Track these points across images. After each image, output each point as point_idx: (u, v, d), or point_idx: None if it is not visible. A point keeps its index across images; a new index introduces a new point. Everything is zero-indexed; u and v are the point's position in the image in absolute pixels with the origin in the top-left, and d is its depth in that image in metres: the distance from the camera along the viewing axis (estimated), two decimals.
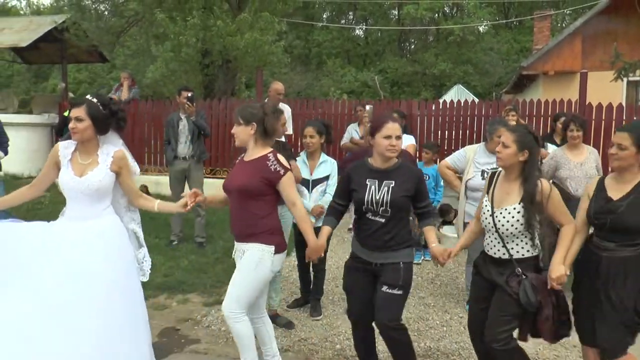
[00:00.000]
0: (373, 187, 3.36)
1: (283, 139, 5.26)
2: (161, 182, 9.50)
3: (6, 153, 7.28)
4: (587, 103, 8.76)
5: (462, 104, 9.71)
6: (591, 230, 3.27)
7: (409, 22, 32.01)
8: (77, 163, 3.23)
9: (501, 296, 3.17)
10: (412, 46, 37.41)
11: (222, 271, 5.94)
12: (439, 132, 9.63)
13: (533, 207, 3.07)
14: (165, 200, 3.66)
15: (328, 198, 4.48)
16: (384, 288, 3.34)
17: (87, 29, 11.57)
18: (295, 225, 4.44)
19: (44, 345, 2.79)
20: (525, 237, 3.14)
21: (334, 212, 3.61)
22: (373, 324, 3.51)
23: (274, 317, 4.62)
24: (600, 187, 3.17)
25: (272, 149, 3.49)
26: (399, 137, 3.34)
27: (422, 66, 31.06)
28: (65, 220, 3.25)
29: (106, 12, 12.74)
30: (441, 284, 5.80)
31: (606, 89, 9.92)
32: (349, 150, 7.24)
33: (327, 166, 4.73)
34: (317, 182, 4.70)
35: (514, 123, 6.52)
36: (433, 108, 9.80)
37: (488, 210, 3.24)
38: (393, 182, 3.34)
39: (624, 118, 8.68)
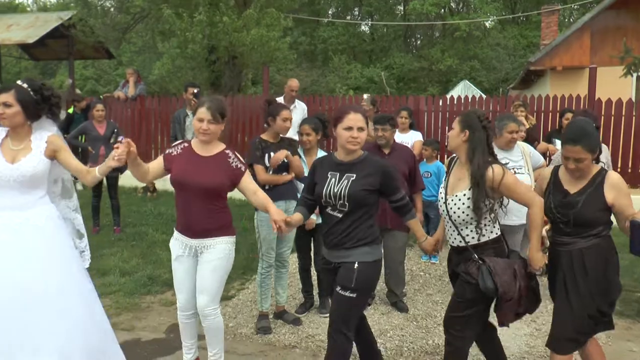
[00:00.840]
0: (333, 179, 3.19)
1: (297, 137, 5.21)
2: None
3: None
4: (596, 98, 8.70)
5: (469, 100, 9.67)
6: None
7: (414, 18, 31.90)
8: (8, 149, 3.11)
9: (460, 283, 3.15)
10: (418, 42, 37.31)
11: None
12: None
13: (479, 191, 3.00)
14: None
15: None
16: (337, 288, 3.16)
17: (93, 25, 11.60)
18: (298, 228, 4.40)
19: None
20: (481, 222, 3.06)
21: (304, 203, 3.44)
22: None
23: (282, 314, 4.62)
24: (555, 180, 3.15)
25: (224, 144, 3.50)
26: (361, 129, 3.11)
27: (428, 62, 30.97)
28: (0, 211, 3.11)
29: (112, 9, 12.75)
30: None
31: (615, 84, 9.86)
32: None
33: None
34: None
35: (523, 119, 6.49)
36: (440, 104, 9.77)
37: (442, 198, 3.21)
38: (354, 175, 3.14)
39: (634, 113, 8.62)
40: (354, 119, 3.10)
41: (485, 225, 3.08)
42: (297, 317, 4.62)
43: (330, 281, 3.31)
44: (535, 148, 5.64)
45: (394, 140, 5.01)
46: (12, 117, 3.06)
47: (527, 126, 6.53)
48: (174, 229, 3.53)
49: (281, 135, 4.47)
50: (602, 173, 3.04)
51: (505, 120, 4.64)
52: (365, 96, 6.94)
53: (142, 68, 21.72)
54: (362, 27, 36.06)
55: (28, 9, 20.74)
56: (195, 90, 6.74)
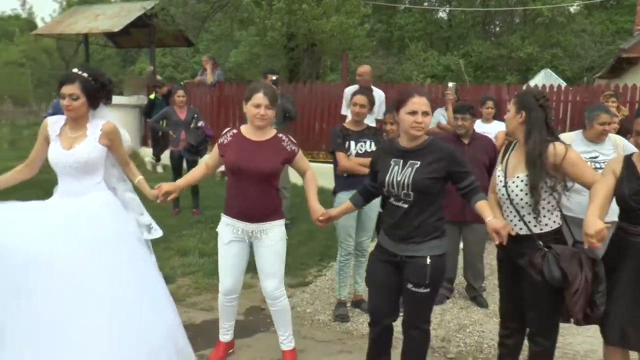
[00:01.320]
0: (396, 167, 3.00)
1: (374, 124, 5.14)
2: None
3: None
4: None
5: (554, 89, 9.24)
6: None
7: (494, 4, 30.83)
8: (66, 136, 3.15)
9: (529, 288, 2.93)
10: (497, 29, 36.08)
11: (306, 253, 5.97)
12: None
13: (535, 170, 2.84)
14: None
15: None
16: (409, 286, 3.00)
17: (174, 14, 11.90)
18: (380, 214, 4.34)
19: (66, 321, 2.74)
20: (544, 207, 2.89)
21: (365, 190, 3.34)
22: (392, 324, 3.26)
23: (359, 303, 4.58)
24: (628, 166, 2.92)
25: (274, 130, 3.52)
26: (425, 114, 2.92)
27: (508, 49, 29.87)
28: (58, 197, 3.16)
29: None
30: None
31: None
32: (436, 135, 7.05)
33: None
34: None
35: (614, 110, 6.12)
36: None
37: (501, 182, 3.04)
38: (419, 162, 2.95)
39: None
40: (418, 102, 2.92)
41: (546, 211, 2.91)
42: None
43: (387, 274, 3.12)
44: (628, 140, 5.31)
45: (474, 130, 4.85)
46: (79, 108, 3.10)
47: (620, 117, 6.15)
48: (223, 214, 3.53)
49: (355, 120, 4.39)
50: None
51: (596, 111, 4.36)
52: (450, 84, 6.75)
53: (219, 56, 22.17)
54: (440, 14, 35.24)
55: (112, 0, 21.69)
56: (274, 77, 6.77)
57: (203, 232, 6.71)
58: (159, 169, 10.51)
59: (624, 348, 2.93)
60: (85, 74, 3.10)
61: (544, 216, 2.92)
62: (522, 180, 2.92)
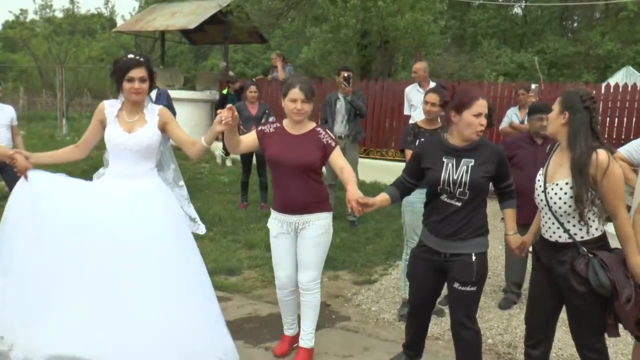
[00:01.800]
0: (450, 165, 3.02)
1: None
2: None
3: None
4: None
5: (637, 88, 8.80)
6: None
7: None
8: (124, 121, 3.18)
9: (570, 298, 2.78)
10: (575, 24, 34.62)
11: (372, 251, 5.98)
12: (607, 118, 8.83)
13: (581, 180, 2.65)
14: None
15: None
16: (456, 285, 3.04)
17: (249, 11, 12.13)
18: None
19: (120, 300, 2.83)
20: (583, 214, 2.69)
21: (400, 185, 3.28)
22: (431, 316, 3.49)
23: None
24: None
25: (314, 123, 3.56)
26: (485, 116, 2.99)
27: (586, 46, 28.58)
28: (111, 178, 3.18)
29: None
30: None
31: None
32: (509, 135, 6.88)
33: None
34: None
35: None
36: (602, 91, 8.99)
37: (540, 187, 2.89)
38: (473, 160, 3.00)
39: None
40: (482, 105, 2.97)
41: (589, 219, 2.73)
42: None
43: (426, 271, 3.18)
44: None
45: None
46: (145, 91, 3.14)
47: None
48: (271, 209, 3.63)
49: (428, 119, 4.35)
50: None
51: None
52: (533, 86, 6.53)
53: (290, 52, 22.47)
54: (515, 10, 34.19)
55: None
56: (346, 74, 6.80)
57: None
58: (228, 163, 10.78)
59: None
60: (142, 58, 3.14)
61: (581, 229, 2.77)
62: (561, 188, 2.77)
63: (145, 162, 3.21)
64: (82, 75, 20.48)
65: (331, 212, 3.59)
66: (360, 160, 7.28)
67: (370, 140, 10.15)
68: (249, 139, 3.55)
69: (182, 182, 3.50)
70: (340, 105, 6.86)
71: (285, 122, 3.56)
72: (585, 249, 2.73)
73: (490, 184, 3.15)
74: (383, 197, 3.22)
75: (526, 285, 4.96)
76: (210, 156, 10.70)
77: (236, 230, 6.76)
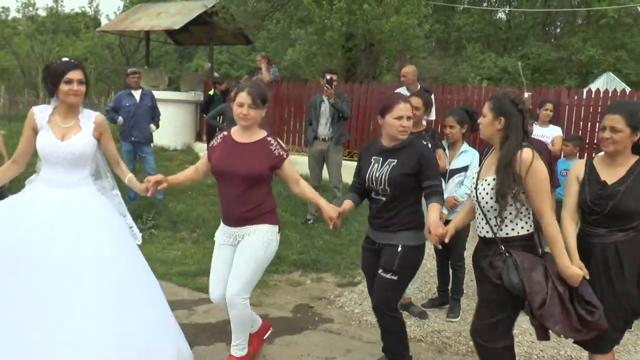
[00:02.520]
0: (376, 164, 3.30)
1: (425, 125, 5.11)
2: (299, 161, 9.73)
3: (157, 126, 7.87)
4: None
5: (617, 93, 8.93)
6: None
7: (556, 4, 29.97)
8: (58, 126, 3.06)
9: (484, 284, 2.93)
10: (558, 30, 35.06)
11: (355, 254, 5.98)
12: (589, 123, 8.94)
13: (504, 174, 2.75)
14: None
15: (464, 190, 4.31)
16: (380, 271, 3.28)
17: (234, 12, 12.10)
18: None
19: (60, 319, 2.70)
20: (510, 213, 2.81)
21: (354, 188, 3.50)
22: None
23: (407, 306, 4.57)
24: (591, 170, 2.97)
25: (265, 132, 3.42)
26: (409, 118, 3.23)
27: (568, 52, 28.99)
28: (43, 187, 3.05)
29: None
30: None
31: None
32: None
33: (467, 156, 4.48)
34: (454, 172, 4.46)
35: None
36: (584, 97, 9.10)
37: (473, 184, 3.03)
38: (395, 160, 3.24)
39: None
40: (404, 108, 3.22)
41: (514, 216, 2.82)
42: (424, 310, 4.56)
43: (371, 260, 3.42)
44: None
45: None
46: (83, 94, 3.06)
47: None
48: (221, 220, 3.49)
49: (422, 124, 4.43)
50: None
51: None
52: (526, 95, 6.48)
53: (275, 54, 22.47)
54: (499, 15, 34.53)
55: None
56: (329, 77, 6.82)
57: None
58: None
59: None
60: (75, 61, 3.09)
61: (511, 221, 2.85)
62: (488, 184, 2.87)
63: (79, 171, 3.11)
64: None
65: (276, 225, 3.43)
66: (344, 162, 7.30)
67: (354, 142, 10.17)
68: (204, 162, 3.48)
69: (117, 190, 3.38)
70: (325, 108, 6.88)
71: (234, 130, 3.43)
72: (503, 247, 2.81)
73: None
74: (349, 205, 3.43)
75: None
76: (194, 157, 10.66)
77: None
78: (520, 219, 2.84)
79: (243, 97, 3.26)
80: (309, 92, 10.17)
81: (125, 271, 2.99)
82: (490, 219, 2.88)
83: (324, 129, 6.91)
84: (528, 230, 2.86)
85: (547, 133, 6.21)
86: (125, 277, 2.97)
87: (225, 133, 3.45)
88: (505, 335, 2.93)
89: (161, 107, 8.11)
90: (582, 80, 27.25)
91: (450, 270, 4.66)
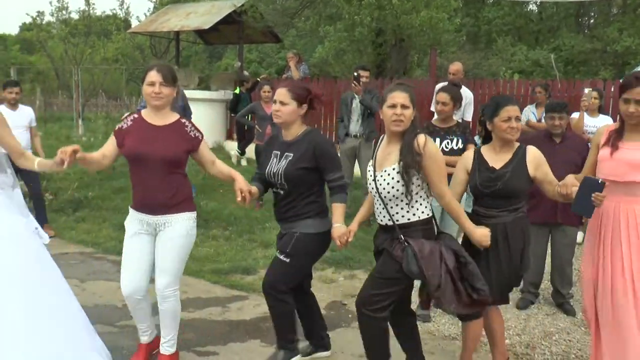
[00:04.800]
0: (275, 159, 3.31)
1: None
2: None
3: None
4: None
5: None
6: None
7: None
8: None
9: (384, 259, 3.05)
10: (592, 20, 34.26)
11: None
12: None
13: (409, 157, 2.89)
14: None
15: None
16: (277, 252, 3.36)
17: (263, 11, 12.15)
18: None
19: None
20: (410, 199, 2.96)
21: (259, 179, 3.48)
22: (310, 290, 3.70)
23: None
24: (479, 158, 3.24)
25: (177, 114, 3.37)
26: (282, 103, 3.26)
27: (603, 43, 28.28)
28: None
29: None
30: None
31: None
32: (526, 134, 6.82)
33: None
34: None
35: None
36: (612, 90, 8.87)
37: (371, 175, 3.10)
38: (292, 154, 3.25)
39: None
40: (278, 93, 3.26)
41: (415, 202, 2.99)
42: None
43: None
44: None
45: (567, 129, 4.67)
46: None
47: None
48: (130, 207, 3.37)
49: (440, 118, 4.35)
50: (523, 147, 3.22)
51: None
52: (586, 90, 6.23)
53: (304, 51, 22.44)
54: (530, 6, 33.91)
55: None
56: (356, 73, 6.78)
57: None
58: (243, 162, 10.81)
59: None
60: None
61: (408, 211, 2.99)
62: (389, 174, 2.98)
63: None
64: (98, 76, 20.68)
65: (194, 212, 3.39)
66: None
67: None
68: (110, 147, 3.29)
69: (18, 189, 3.25)
70: (356, 105, 6.85)
71: (144, 112, 3.31)
72: (402, 237, 2.95)
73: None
74: (256, 189, 3.36)
75: (544, 285, 4.94)
76: (224, 156, 10.75)
77: (252, 230, 6.78)
78: (420, 204, 3.01)
79: (153, 75, 3.17)
80: (338, 89, 10.15)
81: (32, 281, 2.74)
82: (391, 207, 3.00)
83: (355, 125, 6.88)
84: (428, 215, 3.03)
85: (597, 123, 6.02)
86: (33, 288, 2.72)
87: (136, 115, 3.32)
88: (388, 308, 3.05)
89: (192, 106, 8.19)
90: (618, 71, 26.56)
91: None
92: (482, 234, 3.06)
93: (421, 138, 2.93)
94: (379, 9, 10.36)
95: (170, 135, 3.23)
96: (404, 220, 3.00)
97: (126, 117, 3.35)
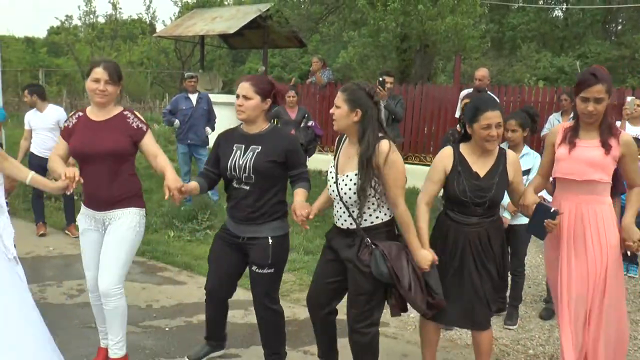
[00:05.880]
0: (238, 152, 3.19)
1: None
2: None
3: (213, 129, 8.04)
4: None
5: None
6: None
7: (618, 0, 28.85)
8: None
9: (354, 275, 2.98)
10: (620, 27, 33.75)
11: None
12: None
13: (366, 171, 2.83)
14: None
15: None
16: (254, 268, 3.22)
17: (288, 16, 12.22)
18: None
19: None
20: (373, 203, 2.93)
21: (204, 176, 3.37)
22: (227, 301, 3.55)
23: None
24: (461, 160, 3.08)
25: (121, 107, 3.32)
26: (245, 97, 3.17)
27: (631, 50, 27.83)
28: None
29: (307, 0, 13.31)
30: None
31: None
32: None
33: (529, 159, 4.34)
34: None
35: None
36: None
37: (332, 178, 3.06)
38: (260, 147, 3.16)
39: None
40: (241, 87, 3.17)
41: (377, 205, 2.95)
42: None
43: (226, 253, 3.33)
44: None
45: None
46: None
47: None
48: (82, 204, 3.35)
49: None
50: (503, 152, 3.13)
51: None
52: (629, 99, 6.08)
53: (327, 56, 22.51)
54: (556, 12, 33.53)
55: (225, 2, 22.69)
56: (380, 79, 6.78)
57: (309, 230, 6.84)
58: None
59: (438, 322, 3.25)
60: None
61: (374, 210, 2.96)
62: (350, 179, 2.93)
63: None
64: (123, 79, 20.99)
65: (143, 209, 3.35)
66: None
67: (409, 145, 10.09)
68: (63, 147, 3.28)
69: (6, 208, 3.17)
70: (380, 110, 6.84)
71: (89, 109, 3.30)
72: (369, 240, 2.91)
73: None
74: (194, 185, 3.27)
75: None
76: None
77: None
78: (382, 207, 2.97)
79: (99, 72, 3.14)
80: None
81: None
82: (353, 211, 2.96)
83: None
84: (390, 216, 3.00)
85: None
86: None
87: (80, 114, 3.31)
88: (377, 319, 3.06)
89: (216, 110, 8.27)
90: None
91: (510, 277, 4.54)
92: (424, 257, 2.94)
93: (384, 146, 2.87)
94: (404, 15, 10.34)
95: (112, 129, 3.20)
96: (367, 224, 2.97)
97: (71, 116, 3.36)
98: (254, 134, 3.24)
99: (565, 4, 32.79)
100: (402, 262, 2.89)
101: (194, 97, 7.99)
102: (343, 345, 3.96)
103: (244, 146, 3.21)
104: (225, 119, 11.22)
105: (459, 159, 3.08)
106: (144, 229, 3.35)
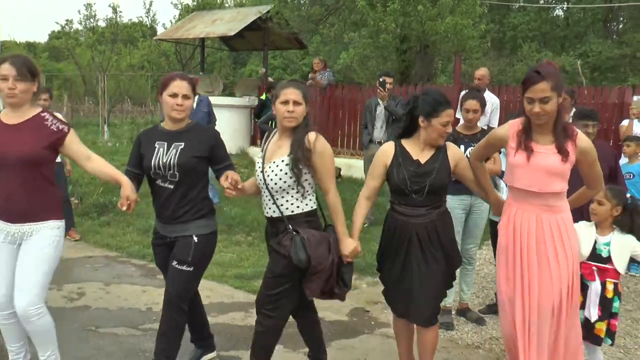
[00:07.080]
0: (161, 149, 3.13)
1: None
2: (354, 165, 9.74)
3: None
4: None
5: None
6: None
7: None
8: None
9: (273, 257, 3.06)
10: (621, 26, 33.70)
11: None
12: None
13: (300, 157, 2.92)
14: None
15: None
16: (174, 263, 3.14)
17: (288, 17, 12.21)
18: (491, 221, 4.24)
19: None
20: (297, 192, 3.00)
21: (131, 177, 3.19)
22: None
23: (465, 312, 4.49)
24: (402, 151, 3.15)
25: (40, 107, 3.04)
26: (185, 97, 3.11)
27: (632, 48, 27.79)
28: None
29: (307, 1, 13.31)
30: None
31: None
32: None
33: None
34: None
35: None
36: None
37: (259, 167, 3.12)
38: (183, 143, 3.12)
39: None
40: (179, 85, 3.11)
41: (301, 195, 3.01)
42: (481, 316, 4.46)
43: (165, 257, 3.26)
44: None
45: (595, 137, 4.57)
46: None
47: None
48: None
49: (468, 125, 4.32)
50: (443, 144, 3.17)
51: None
52: (635, 98, 6.06)
53: (328, 58, 22.53)
54: (556, 12, 33.49)
55: (226, 5, 22.69)
56: (381, 79, 6.77)
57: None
58: None
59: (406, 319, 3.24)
60: None
61: (293, 204, 3.00)
62: (277, 165, 2.99)
63: None
64: (123, 82, 21.01)
65: (62, 221, 3.09)
66: None
67: None
68: None
69: None
70: (380, 111, 6.84)
71: (3, 112, 3.00)
72: (290, 226, 2.97)
73: None
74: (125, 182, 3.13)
75: None
76: (248, 161, 10.81)
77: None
78: (306, 198, 3.03)
79: (6, 68, 2.83)
80: (363, 95, 10.17)
81: None
82: (277, 199, 3.02)
83: (379, 132, 6.87)
84: (312, 207, 3.06)
85: None
86: None
87: None
88: (285, 308, 3.06)
89: (216, 112, 8.26)
90: None
91: None
92: (348, 244, 3.04)
93: (312, 135, 2.97)
94: (404, 16, 10.34)
95: (27, 132, 2.90)
96: (289, 212, 3.01)
97: None
98: (175, 131, 3.20)
99: (566, 3, 32.76)
100: (323, 251, 2.93)
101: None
102: (342, 346, 3.97)
103: (166, 144, 3.17)
104: (226, 121, 11.24)
105: (400, 151, 3.16)
106: (63, 242, 3.09)
